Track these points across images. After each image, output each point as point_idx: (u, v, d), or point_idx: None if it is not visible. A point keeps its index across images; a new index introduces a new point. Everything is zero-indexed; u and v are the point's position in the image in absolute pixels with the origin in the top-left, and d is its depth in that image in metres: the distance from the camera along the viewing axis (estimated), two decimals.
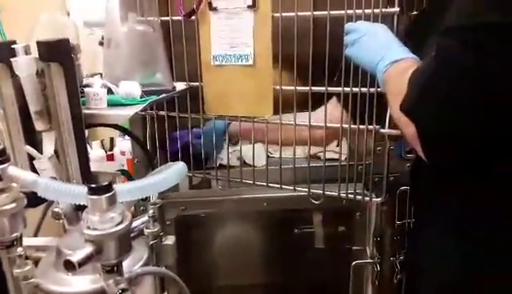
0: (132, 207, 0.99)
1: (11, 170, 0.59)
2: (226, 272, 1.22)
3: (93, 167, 0.75)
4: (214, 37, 0.92)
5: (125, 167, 1.59)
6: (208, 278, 1.24)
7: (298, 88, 0.92)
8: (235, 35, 0.91)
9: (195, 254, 1.19)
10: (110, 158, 1.71)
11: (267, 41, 0.89)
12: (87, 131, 0.74)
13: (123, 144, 1.65)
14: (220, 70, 0.94)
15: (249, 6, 0.87)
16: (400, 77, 0.67)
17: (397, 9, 0.81)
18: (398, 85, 0.66)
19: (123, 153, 1.65)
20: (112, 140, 1.77)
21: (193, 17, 0.93)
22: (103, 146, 1.76)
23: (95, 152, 1.68)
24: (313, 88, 0.91)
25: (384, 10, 0.81)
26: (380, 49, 0.74)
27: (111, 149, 1.76)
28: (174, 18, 0.94)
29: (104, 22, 1.05)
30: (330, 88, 0.90)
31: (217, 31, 0.92)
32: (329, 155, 1.04)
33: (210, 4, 0.90)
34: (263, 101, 0.93)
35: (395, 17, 0.82)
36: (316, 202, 1.02)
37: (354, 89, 0.88)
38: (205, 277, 1.23)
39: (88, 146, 0.83)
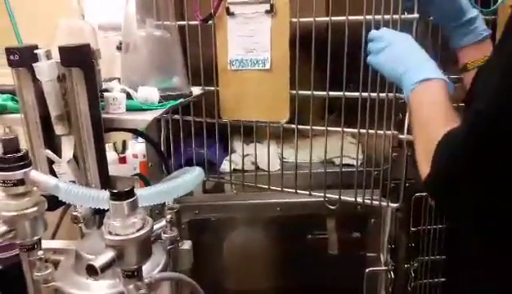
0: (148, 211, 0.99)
1: (33, 174, 0.60)
2: (238, 276, 1.22)
3: None
4: (231, 41, 0.92)
5: (137, 170, 1.60)
6: (221, 281, 1.23)
7: (315, 93, 0.92)
8: (252, 40, 0.91)
9: (208, 258, 1.19)
10: (123, 160, 1.72)
11: (284, 46, 0.89)
12: None
13: (136, 147, 1.66)
14: (236, 75, 0.94)
15: (266, 12, 0.87)
16: (428, 109, 0.64)
17: (416, 15, 0.80)
18: (425, 124, 0.63)
19: (135, 156, 1.65)
20: (124, 142, 1.77)
21: (209, 22, 0.93)
22: (115, 149, 1.76)
23: (107, 154, 1.68)
24: (330, 93, 0.91)
25: (403, 16, 0.81)
26: (407, 62, 0.70)
27: (123, 151, 1.77)
28: (191, 22, 0.95)
29: (119, 25, 1.06)
30: (347, 93, 0.90)
31: (234, 36, 0.92)
32: (344, 161, 1.04)
33: (228, 9, 0.90)
34: (280, 106, 0.93)
35: (414, 23, 0.81)
36: (332, 208, 1.01)
37: (372, 94, 0.88)
38: (218, 281, 1.23)
39: None
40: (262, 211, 1.13)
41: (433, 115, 0.64)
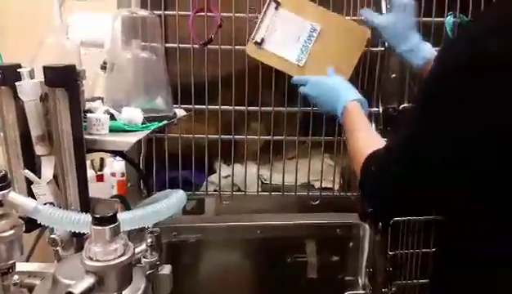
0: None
1: (12, 196, 0.58)
2: None
3: None
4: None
5: (115, 189, 1.57)
6: None
7: (289, 109, 1.03)
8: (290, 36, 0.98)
9: (186, 280, 1.17)
10: (100, 178, 1.69)
11: None
12: None
13: (114, 165, 1.63)
14: None
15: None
16: (354, 133, 0.82)
17: (382, 48, 1.01)
18: (354, 143, 0.81)
19: (113, 175, 1.63)
20: (102, 160, 1.74)
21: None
22: (93, 167, 1.73)
23: None
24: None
25: (371, 49, 0.99)
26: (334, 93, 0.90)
27: (101, 169, 1.74)
28: (182, 45, 0.97)
29: (101, 42, 1.05)
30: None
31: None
32: (324, 184, 1.07)
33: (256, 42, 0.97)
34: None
35: (378, 55, 1.01)
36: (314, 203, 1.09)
37: None
38: None
39: None
40: (242, 233, 1.13)
41: (358, 137, 0.81)
